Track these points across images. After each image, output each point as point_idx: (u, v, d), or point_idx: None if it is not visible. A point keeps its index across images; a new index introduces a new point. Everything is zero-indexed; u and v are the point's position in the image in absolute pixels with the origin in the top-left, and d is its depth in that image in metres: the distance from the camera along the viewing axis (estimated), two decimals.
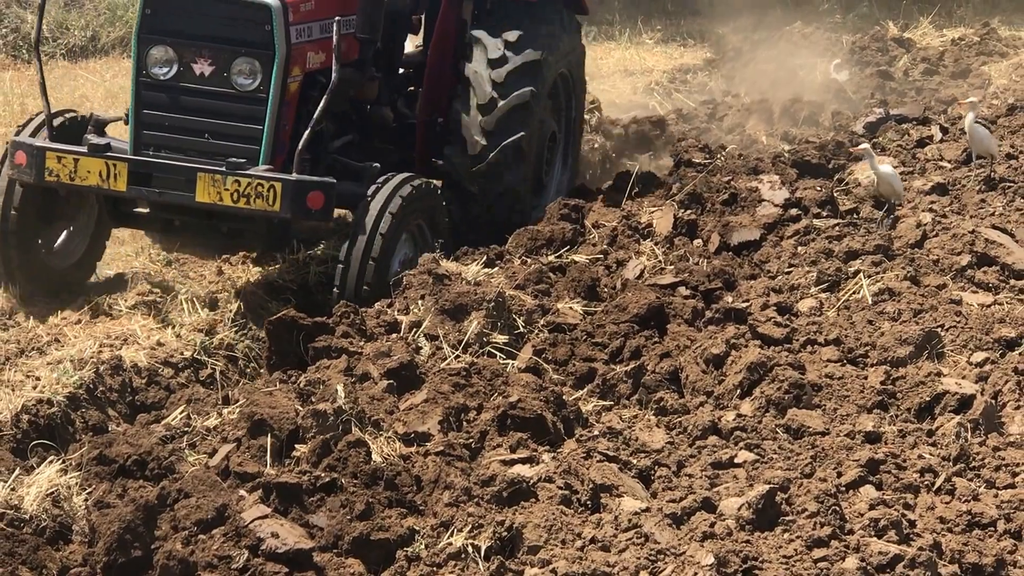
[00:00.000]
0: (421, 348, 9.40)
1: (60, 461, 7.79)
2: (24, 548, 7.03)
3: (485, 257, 11.29)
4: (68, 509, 7.37)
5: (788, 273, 10.53)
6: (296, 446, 7.89)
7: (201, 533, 7.08)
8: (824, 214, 12.06)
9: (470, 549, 6.88)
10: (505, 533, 6.90)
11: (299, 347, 9.38)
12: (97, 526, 7.07)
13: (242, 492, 7.42)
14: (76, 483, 7.53)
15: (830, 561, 6.48)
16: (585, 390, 8.94)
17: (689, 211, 12.25)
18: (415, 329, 9.66)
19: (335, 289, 10.71)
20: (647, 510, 7.06)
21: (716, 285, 10.45)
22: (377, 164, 11.48)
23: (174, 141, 10.93)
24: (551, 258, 11.38)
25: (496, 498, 7.25)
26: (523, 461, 7.64)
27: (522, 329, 9.77)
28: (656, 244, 11.48)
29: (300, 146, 10.69)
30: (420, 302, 10.15)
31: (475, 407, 8.41)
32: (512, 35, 12.47)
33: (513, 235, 12.25)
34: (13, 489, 7.42)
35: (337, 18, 10.83)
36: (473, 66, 12.43)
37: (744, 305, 9.85)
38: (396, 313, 10.02)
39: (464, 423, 8.29)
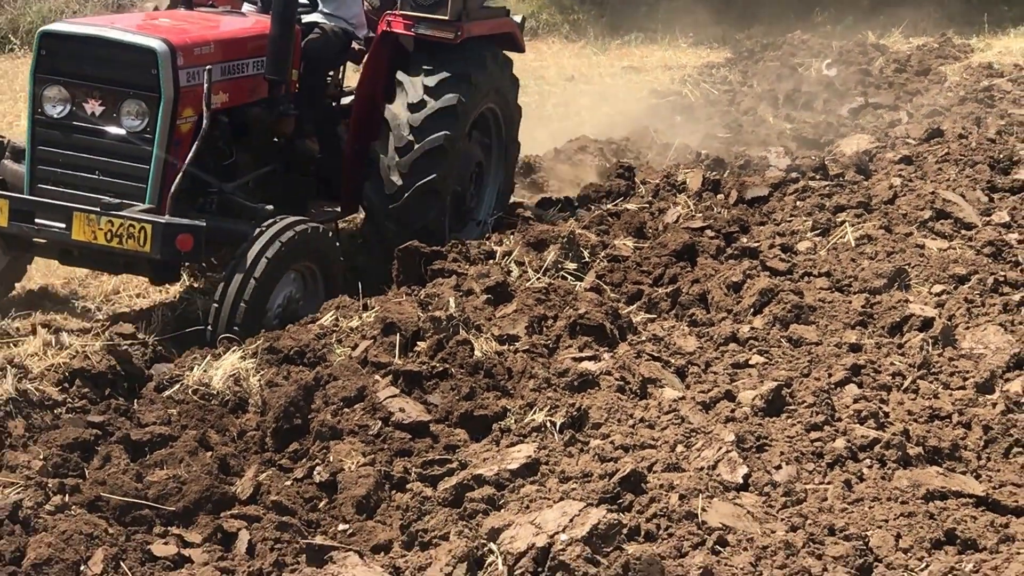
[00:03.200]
0: (511, 271, 9.33)
1: (240, 350, 7.75)
2: (212, 416, 7.01)
3: (560, 204, 11.20)
4: (245, 387, 7.32)
5: (790, 221, 10.38)
6: (417, 343, 7.84)
7: (346, 407, 7.04)
8: (817, 177, 11.90)
9: (548, 424, 6.82)
10: (575, 413, 6.83)
11: (420, 269, 9.32)
12: (268, 400, 7.04)
13: (377, 377, 7.37)
14: (252, 367, 7.49)
15: (823, 441, 6.38)
16: (635, 306, 8.84)
17: (714, 173, 12.17)
18: (507, 257, 9.59)
19: (207, 327, 8.54)
20: (683, 398, 6.98)
21: (734, 229, 10.30)
22: (270, 206, 9.21)
23: (67, 177, 8.93)
24: (609, 206, 11.28)
25: (568, 386, 7.17)
26: (588, 359, 7.57)
27: (587, 259, 9.68)
28: (689, 197, 11.36)
29: (173, 189, 8.68)
30: (511, 236, 10.11)
31: (552, 316, 8.33)
32: (432, 80, 10.21)
33: (582, 188, 12.17)
34: (205, 371, 7.39)
35: (208, 67, 8.87)
36: (393, 109, 10.18)
37: (756, 245, 9.72)
38: (492, 245, 9.96)
39: (544, 328, 8.22)
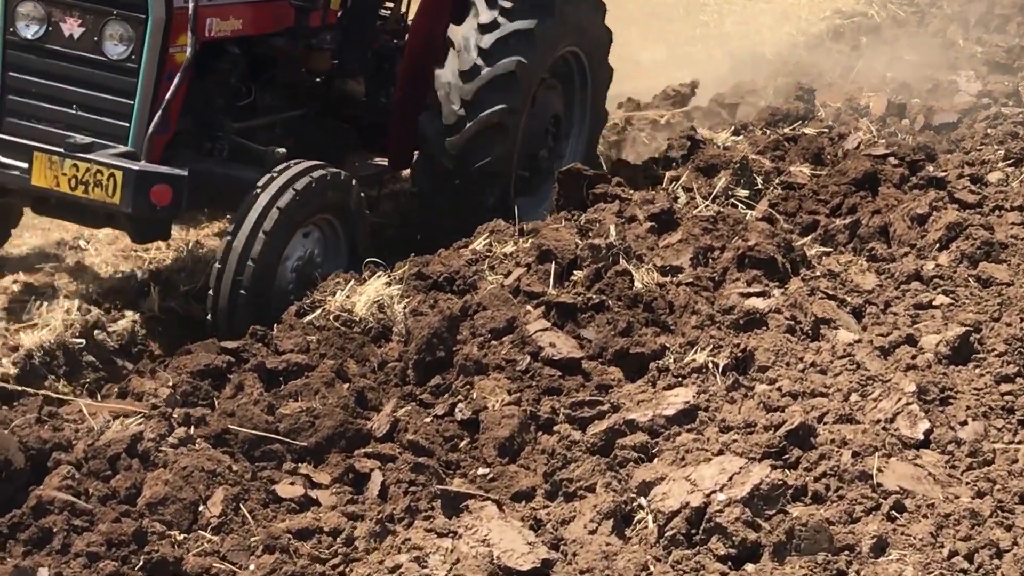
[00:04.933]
0: (678, 198, 8.66)
1: (386, 275, 7.18)
2: (352, 344, 6.45)
3: (732, 127, 10.46)
4: (389, 314, 6.75)
5: (980, 150, 9.53)
6: (574, 272, 7.25)
7: (493, 340, 6.48)
8: (1011, 104, 11.02)
9: (710, 365, 6.19)
10: (740, 354, 6.20)
11: (581, 192, 8.70)
12: (411, 329, 6.50)
13: (528, 308, 6.81)
14: (397, 293, 6.94)
15: (1015, 395, 5.65)
16: (809, 238, 8.12)
17: (899, 97, 11.32)
18: (674, 183, 8.92)
19: (209, 292, 7.16)
20: (859, 341, 6.29)
21: (919, 157, 9.43)
22: (283, 149, 7.69)
23: (41, 110, 7.39)
24: (786, 130, 10.47)
25: (734, 324, 6.53)
26: (757, 295, 6.88)
27: (760, 186, 8.91)
28: (871, 122, 10.55)
29: (151, 131, 7.13)
30: (680, 161, 9.44)
31: (719, 247, 7.68)
32: (508, 1, 8.52)
33: (756, 112, 11.41)
34: (348, 296, 6.83)
35: None
36: (461, 30, 8.42)
37: (943, 174, 8.87)
38: (660, 169, 9.31)
39: (710, 260, 7.57)
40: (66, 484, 4.98)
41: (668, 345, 6.46)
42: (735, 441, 5.29)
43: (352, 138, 8.80)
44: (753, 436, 5.33)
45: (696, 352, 6.32)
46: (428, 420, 5.89)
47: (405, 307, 6.84)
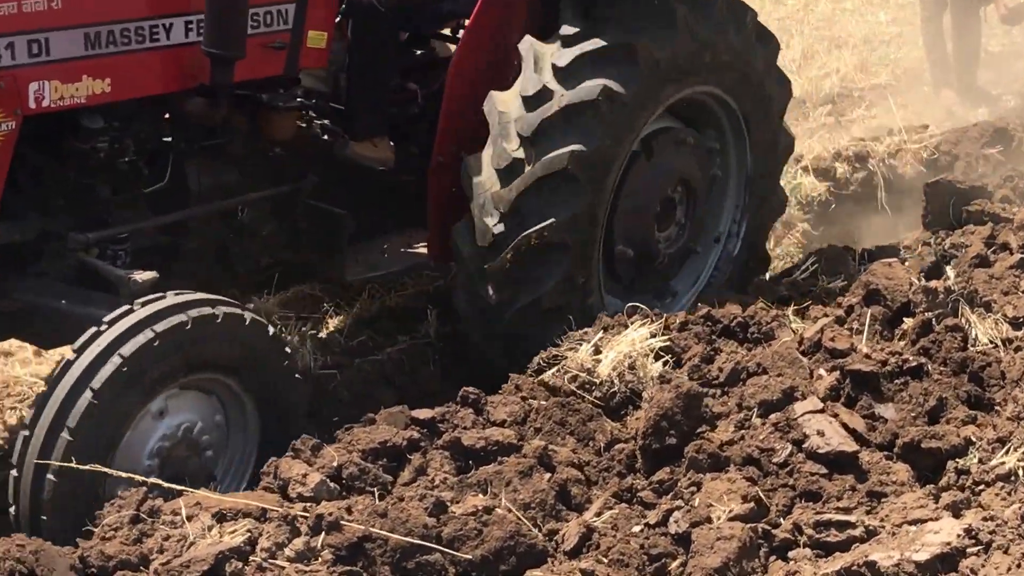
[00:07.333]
0: None
1: (651, 323, 5.70)
2: (577, 417, 5.16)
3: None
4: (641, 376, 5.46)
5: None
6: (904, 319, 5.79)
7: (759, 416, 5.13)
8: None
9: (1020, 473, 4.66)
10: None
11: (950, 209, 7.09)
12: (657, 401, 5.19)
13: (821, 371, 5.40)
14: (660, 347, 5.59)
15: None
16: None
17: None
18: None
19: (11, 509, 4.72)
20: None
21: None
22: (145, 276, 5.03)
23: None
24: None
25: None
26: None
27: None
28: None
29: None
30: None
31: None
32: (564, 55, 5.80)
33: None
34: (596, 351, 5.54)
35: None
36: (499, 100, 5.88)
37: None
38: None
39: None
40: None
41: (974, 440, 4.92)
42: None
43: (347, 224, 6.16)
44: None
45: (1007, 453, 4.78)
46: (637, 530, 4.62)
47: (665, 364, 5.54)
